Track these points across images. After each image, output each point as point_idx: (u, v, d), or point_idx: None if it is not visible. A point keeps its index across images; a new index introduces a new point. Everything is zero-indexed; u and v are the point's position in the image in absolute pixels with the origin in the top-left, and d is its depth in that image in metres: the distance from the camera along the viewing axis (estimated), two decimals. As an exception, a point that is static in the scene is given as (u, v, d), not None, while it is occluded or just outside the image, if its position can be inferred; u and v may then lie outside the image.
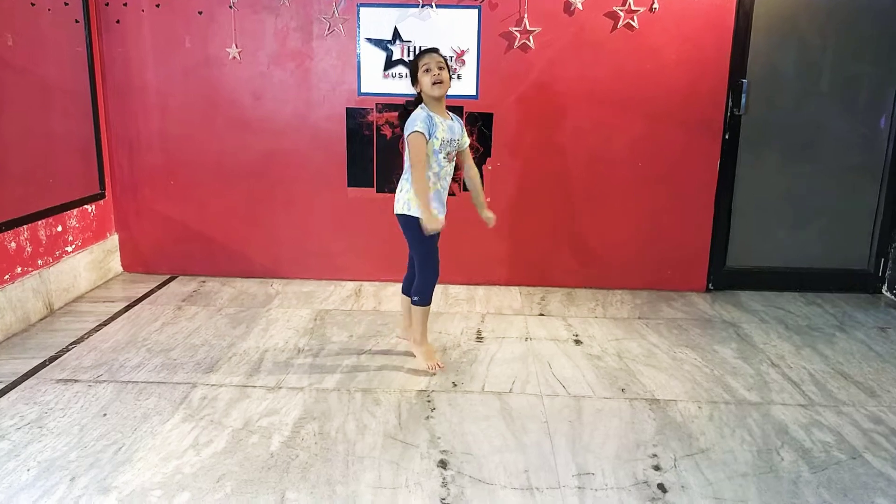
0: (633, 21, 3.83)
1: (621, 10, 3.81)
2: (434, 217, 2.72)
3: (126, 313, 3.62)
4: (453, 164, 2.88)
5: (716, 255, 4.14)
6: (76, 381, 2.83)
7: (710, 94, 3.92)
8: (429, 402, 2.70)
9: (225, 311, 3.67)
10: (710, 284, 4.18)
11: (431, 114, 2.74)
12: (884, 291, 4.15)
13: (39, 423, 2.48)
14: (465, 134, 2.93)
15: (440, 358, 3.05)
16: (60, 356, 3.07)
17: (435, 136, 2.72)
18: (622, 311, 3.81)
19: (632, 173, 4.03)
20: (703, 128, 3.96)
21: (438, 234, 2.80)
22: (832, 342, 3.40)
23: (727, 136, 3.97)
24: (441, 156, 2.78)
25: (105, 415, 2.56)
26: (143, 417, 2.54)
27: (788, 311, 3.85)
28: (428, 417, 2.58)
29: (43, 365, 2.97)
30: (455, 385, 2.85)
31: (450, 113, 2.89)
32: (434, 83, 2.69)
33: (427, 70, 2.71)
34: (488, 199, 3.80)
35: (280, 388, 2.80)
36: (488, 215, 2.97)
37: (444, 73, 2.71)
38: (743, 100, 3.90)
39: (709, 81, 3.91)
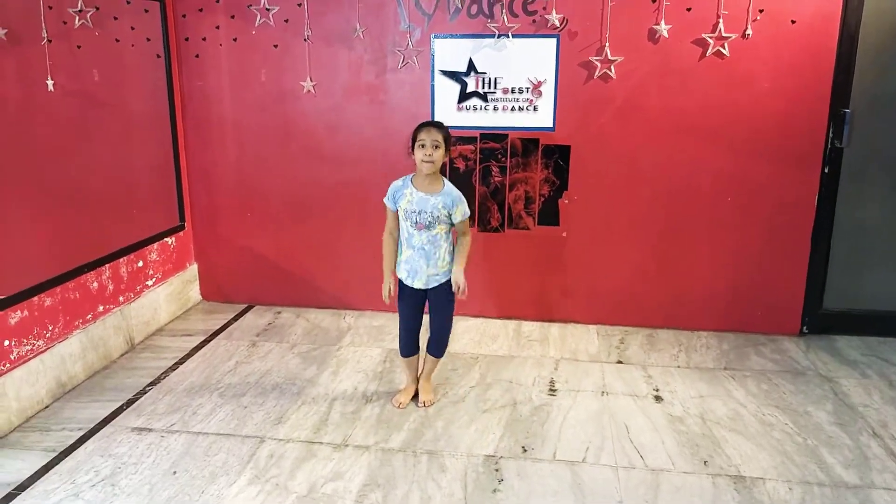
0: (724, 48, 3.58)
1: (710, 38, 3.57)
2: (385, 285, 2.96)
3: (202, 349, 3.67)
4: (433, 232, 2.85)
5: (811, 296, 3.86)
6: (150, 430, 2.88)
7: (808, 125, 3.64)
8: (496, 470, 2.60)
9: (297, 349, 3.68)
10: (805, 328, 3.89)
11: (407, 184, 2.88)
12: None
13: (112, 481, 2.53)
14: (459, 211, 2.87)
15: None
16: (137, 399, 3.14)
17: (399, 205, 2.88)
18: (707, 358, 3.59)
19: (720, 208, 3.80)
20: (799, 161, 3.68)
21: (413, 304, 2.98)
22: (944, 406, 3.10)
23: (826, 170, 3.68)
24: (407, 224, 2.87)
25: (175, 472, 2.58)
26: (211, 478, 2.55)
27: (893, 363, 3.54)
28: (495, 491, 2.48)
29: (120, 410, 3.04)
30: (525, 450, 2.74)
31: (446, 186, 2.87)
32: (424, 161, 2.78)
33: (422, 146, 2.77)
34: (564, 234, 3.68)
35: (346, 445, 2.76)
36: (455, 278, 2.89)
37: (437, 153, 2.78)
38: (845, 131, 3.60)
39: (807, 112, 3.62)
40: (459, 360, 3.55)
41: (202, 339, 3.81)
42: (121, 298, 3.62)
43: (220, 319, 4.10)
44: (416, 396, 3.14)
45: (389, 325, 4.01)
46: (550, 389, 3.24)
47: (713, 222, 3.82)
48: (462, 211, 2.88)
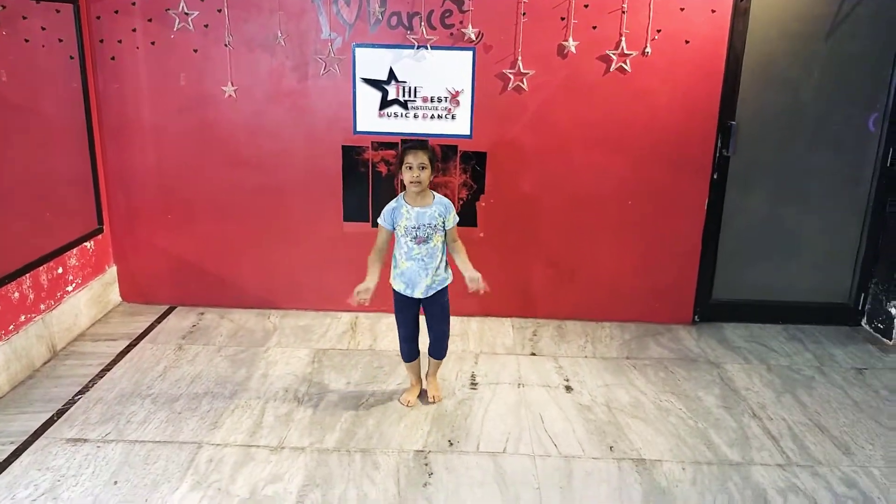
0: (626, 65, 3.88)
1: (614, 54, 3.87)
2: (364, 288, 3.06)
3: (128, 355, 3.70)
4: (430, 244, 3.05)
5: (702, 288, 4.27)
6: (85, 440, 2.92)
7: (699, 135, 4.01)
8: (426, 465, 2.82)
9: (224, 352, 3.76)
10: (696, 317, 4.31)
11: (401, 203, 3.04)
12: (863, 324, 4.30)
13: (54, 494, 2.59)
14: (451, 217, 3.07)
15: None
16: (67, 409, 3.16)
17: (398, 224, 3.04)
18: (611, 348, 3.93)
19: (622, 211, 4.13)
20: (692, 167, 4.05)
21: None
22: (811, 387, 3.55)
23: (715, 176, 4.07)
24: (407, 240, 3.03)
25: (116, 483, 2.66)
26: (153, 486, 2.65)
27: (771, 348, 3.99)
28: (426, 484, 2.70)
29: (51, 421, 3.07)
30: (451, 444, 2.97)
31: (436, 197, 3.07)
32: (411, 182, 2.96)
33: (409, 168, 2.94)
34: (481, 234, 3.91)
35: (282, 448, 2.91)
36: (472, 276, 3.09)
37: (424, 174, 2.95)
38: (732, 141, 3.99)
39: (699, 123, 3.98)
40: (385, 357, 3.75)
41: (126, 343, 3.83)
42: (42, 306, 3.59)
43: (142, 322, 4.12)
44: (422, 394, 3.35)
45: (315, 324, 4.15)
46: (472, 383, 3.49)
47: (616, 223, 4.16)
48: (453, 217, 3.07)
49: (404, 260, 3.08)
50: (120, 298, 4.40)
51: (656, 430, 3.11)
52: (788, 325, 4.29)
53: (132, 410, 3.17)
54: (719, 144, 4.02)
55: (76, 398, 3.26)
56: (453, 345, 3.89)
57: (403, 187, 3.06)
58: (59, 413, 3.13)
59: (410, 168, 2.95)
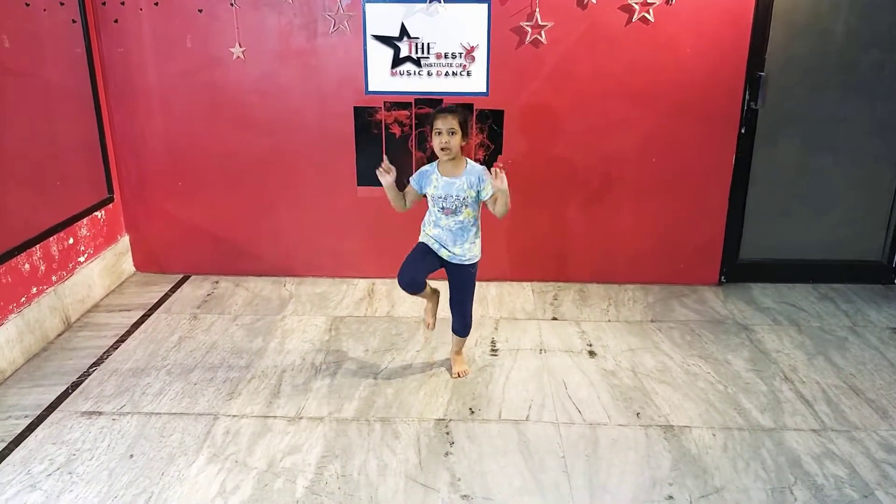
0: (649, 14, 3.69)
1: (636, 4, 3.68)
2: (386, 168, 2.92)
3: (142, 325, 3.65)
4: (457, 217, 2.90)
5: (729, 248, 4.13)
6: (100, 413, 2.88)
7: (726, 87, 3.83)
8: (447, 433, 2.75)
9: (240, 321, 3.70)
10: (723, 277, 4.17)
11: (433, 169, 2.93)
12: (896, 282, 4.15)
13: (69, 469, 2.54)
14: (487, 188, 2.87)
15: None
16: (82, 381, 3.12)
17: (425, 191, 2.95)
18: (635, 312, 3.82)
19: (646, 168, 3.98)
20: (718, 122, 3.88)
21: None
22: (844, 349, 3.42)
23: (743, 130, 3.90)
24: (435, 208, 2.93)
25: (132, 456, 2.61)
26: (169, 459, 2.60)
27: (801, 308, 3.86)
28: (447, 454, 2.63)
29: (66, 394, 3.02)
30: (472, 412, 2.89)
31: (468, 165, 2.90)
32: (441, 148, 2.82)
33: (438, 134, 2.80)
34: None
35: (300, 418, 2.85)
36: (497, 186, 2.81)
37: (454, 140, 2.80)
38: (760, 93, 3.81)
39: (726, 75, 3.80)
40: (403, 324, 3.66)
41: (141, 313, 3.78)
42: (54, 278, 3.53)
43: (156, 292, 4.06)
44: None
45: (331, 291, 4.07)
46: (492, 350, 3.40)
47: (639, 181, 4.01)
48: (489, 188, 2.86)
49: (433, 226, 2.97)
50: (134, 268, 4.34)
51: (684, 396, 3.01)
52: (819, 284, 4.16)
53: (147, 382, 3.12)
54: (747, 97, 3.84)
55: (91, 370, 3.21)
56: (472, 310, 3.80)
57: (422, 146, 2.92)
58: (74, 386, 3.09)
59: (439, 133, 2.79)
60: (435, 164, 2.96)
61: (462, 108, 2.93)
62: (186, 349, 3.41)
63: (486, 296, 4.01)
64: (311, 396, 3.01)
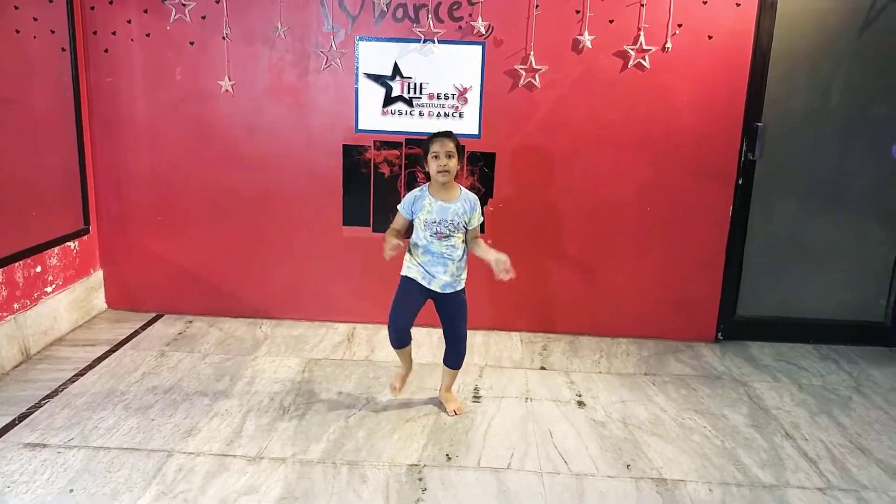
0: (645, 61, 3.65)
1: (632, 50, 3.64)
2: (394, 244, 2.72)
3: (106, 360, 3.44)
4: (450, 242, 2.82)
5: (726, 303, 3.96)
6: (45, 445, 2.65)
7: (723, 138, 3.75)
8: (420, 479, 2.52)
9: (210, 360, 3.49)
10: (720, 334, 3.99)
11: (425, 194, 2.83)
12: (901, 345, 3.97)
13: (1, 501, 2.30)
14: (476, 217, 2.86)
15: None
16: (32, 413, 2.89)
17: (417, 216, 2.83)
18: (627, 364, 3.62)
19: (640, 218, 3.86)
20: (715, 173, 3.79)
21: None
22: (849, 408, 3.21)
23: (740, 182, 3.80)
24: (427, 233, 2.82)
25: (72, 490, 2.38)
26: (112, 495, 2.36)
27: (802, 367, 3.67)
28: (418, 500, 2.40)
29: (12, 424, 2.80)
30: (449, 458, 2.66)
31: (462, 192, 2.86)
32: (439, 171, 2.76)
33: (436, 157, 2.76)
34: (489, 242, 3.68)
35: (261, 458, 2.62)
36: (497, 257, 2.76)
37: (452, 162, 2.76)
38: (758, 144, 3.73)
39: (723, 125, 3.73)
40: (382, 368, 3.46)
41: (106, 349, 3.58)
42: (15, 305, 3.35)
43: (126, 329, 3.86)
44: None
45: (309, 334, 3.88)
46: (475, 396, 3.19)
47: (634, 231, 3.88)
48: (478, 216, 2.88)
49: (422, 253, 2.85)
50: (105, 305, 4.15)
51: (679, 449, 2.79)
52: (820, 344, 3.96)
53: (101, 416, 2.89)
54: (745, 148, 3.76)
55: (42, 402, 2.99)
56: (456, 357, 3.60)
57: (410, 186, 2.83)
58: (22, 417, 2.87)
59: (437, 157, 2.75)
60: (425, 188, 2.87)
61: (453, 134, 2.86)
62: (148, 385, 3.19)
63: (472, 343, 3.81)
64: (275, 437, 2.78)
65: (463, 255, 2.88)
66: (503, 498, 2.43)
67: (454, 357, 2.98)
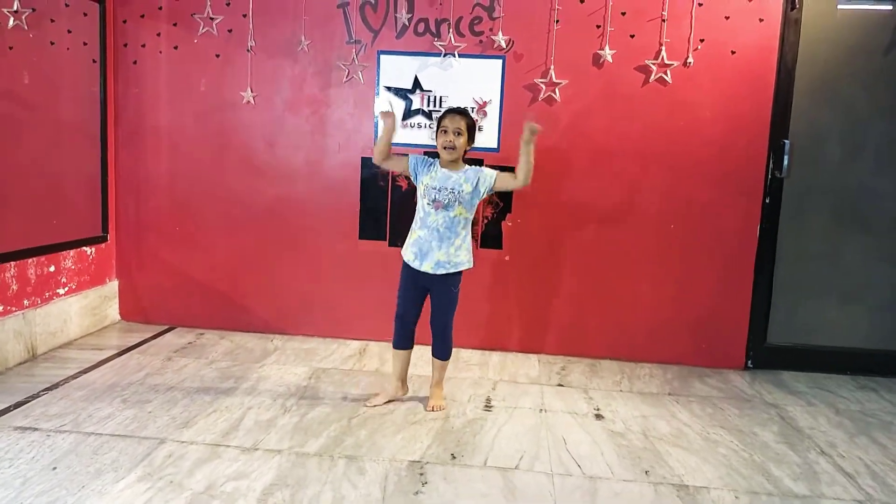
0: (667, 75, 3.61)
1: (653, 64, 3.61)
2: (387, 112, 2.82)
3: (111, 362, 3.37)
4: (451, 213, 2.78)
5: (755, 329, 3.77)
6: (35, 429, 2.56)
7: (748, 154, 3.65)
8: (421, 474, 2.36)
9: (216, 365, 3.40)
10: (749, 362, 3.78)
11: (436, 162, 2.85)
12: (947, 378, 3.71)
13: (-20, 474, 2.20)
14: (485, 175, 2.83)
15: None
16: (28, 402, 2.81)
17: (420, 179, 2.83)
18: (650, 385, 3.44)
19: (664, 236, 3.74)
20: (741, 190, 3.67)
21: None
22: (891, 431, 2.98)
23: (768, 201, 3.67)
24: (426, 202, 2.80)
25: (55, 468, 2.27)
26: (96, 474, 2.25)
27: (838, 394, 3.44)
28: (417, 493, 2.23)
29: (6, 410, 2.72)
30: (454, 457, 2.50)
31: (467, 167, 2.86)
32: (444, 147, 2.76)
33: (444, 132, 2.76)
34: (507, 258, 3.59)
35: (256, 449, 2.49)
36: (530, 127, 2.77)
37: (460, 140, 2.76)
38: (785, 162, 3.62)
39: (747, 141, 3.64)
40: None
41: (113, 353, 3.51)
42: (25, 302, 3.32)
43: (136, 337, 3.80)
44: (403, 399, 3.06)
45: (320, 348, 3.77)
46: (486, 406, 3.03)
47: (657, 250, 3.75)
48: (489, 174, 2.80)
49: (419, 227, 2.82)
50: (119, 316, 4.11)
51: (703, 459, 2.59)
52: (858, 375, 3.73)
53: (97, 407, 2.80)
54: (771, 165, 3.65)
55: (41, 393, 2.91)
56: (469, 371, 3.47)
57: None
58: (18, 405, 2.78)
59: (445, 132, 2.76)
60: (436, 159, 2.87)
61: (469, 113, 2.88)
62: (150, 383, 3.10)
63: (488, 361, 3.67)
64: (273, 431, 2.65)
65: (463, 238, 2.82)
66: (509, 495, 2.25)
67: (439, 347, 2.94)
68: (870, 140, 3.64)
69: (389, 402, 2.97)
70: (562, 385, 3.37)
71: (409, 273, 2.86)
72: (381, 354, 3.69)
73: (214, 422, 2.72)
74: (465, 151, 2.85)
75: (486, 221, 3.81)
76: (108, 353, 3.51)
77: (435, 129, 2.84)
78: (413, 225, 2.89)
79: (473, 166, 2.88)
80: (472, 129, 2.82)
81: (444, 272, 2.79)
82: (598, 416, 2.98)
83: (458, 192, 2.76)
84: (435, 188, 2.77)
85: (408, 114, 3.79)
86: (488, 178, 2.80)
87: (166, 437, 2.55)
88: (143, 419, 2.70)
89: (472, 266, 2.89)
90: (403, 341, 2.92)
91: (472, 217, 2.86)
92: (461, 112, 2.80)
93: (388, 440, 2.62)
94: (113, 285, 4.04)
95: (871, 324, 3.76)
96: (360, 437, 2.63)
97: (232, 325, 4.03)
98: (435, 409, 2.91)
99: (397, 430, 2.72)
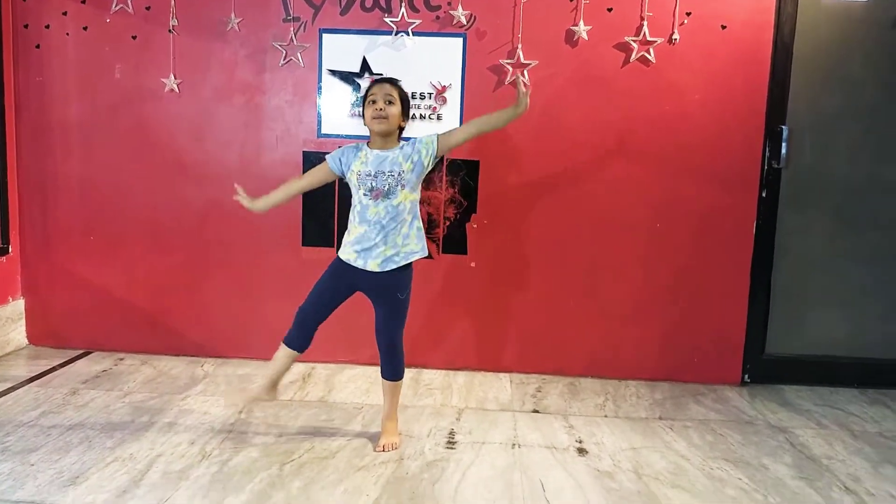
0: (649, 54, 3.18)
1: (634, 42, 3.17)
2: (250, 201, 2.54)
3: (2, 398, 2.82)
4: (393, 202, 2.33)
5: (752, 339, 3.35)
6: None
7: (742, 142, 3.23)
8: (363, 542, 1.87)
9: (130, 398, 2.87)
10: (746, 376, 3.36)
11: (361, 146, 2.42)
12: (964, 390, 3.32)
13: None
14: (426, 143, 2.39)
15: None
16: None
17: (350, 168, 2.39)
18: (638, 408, 2.99)
19: (649, 236, 3.30)
20: (734, 182, 3.26)
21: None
22: (919, 458, 2.56)
23: (764, 194, 3.25)
24: (361, 193, 2.36)
25: None
26: (-66, 560, 1.72)
27: (850, 412, 3.02)
28: (356, 570, 1.74)
29: None
30: (406, 515, 2.02)
31: (402, 142, 2.41)
32: (374, 117, 2.33)
33: (373, 102, 2.34)
34: (472, 264, 3.14)
35: (157, 513, 1.98)
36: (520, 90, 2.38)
37: (392, 109, 2.34)
38: (783, 150, 3.20)
39: (741, 128, 3.22)
40: (338, 410, 2.83)
41: (8, 386, 2.96)
42: None
43: (43, 365, 3.25)
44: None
45: (257, 373, 3.25)
46: (449, 442, 2.55)
47: (642, 252, 3.32)
48: (427, 137, 2.39)
49: (358, 223, 2.38)
50: (25, 340, 3.55)
51: (709, 506, 2.14)
52: (866, 388, 3.32)
53: (-33, 460, 2.26)
54: (768, 154, 3.23)
55: None
56: (430, 398, 2.99)
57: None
58: None
59: (374, 101, 2.33)
60: (362, 143, 2.43)
61: (400, 84, 2.44)
62: (44, 424, 2.57)
63: (452, 384, 3.20)
64: (184, 487, 2.14)
65: (410, 224, 2.36)
66: (475, 568, 1.77)
67: (388, 365, 2.48)
68: (879, 124, 3.24)
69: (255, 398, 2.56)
70: (537, 411, 2.90)
71: (342, 269, 2.40)
72: (328, 379, 3.20)
73: (111, 475, 2.20)
74: (401, 129, 2.41)
75: (447, 223, 3.34)
76: (1, 385, 2.95)
77: (361, 103, 2.42)
78: (350, 221, 2.42)
79: (409, 139, 2.43)
80: (405, 101, 2.40)
81: (394, 267, 2.33)
82: (581, 451, 2.51)
83: (399, 174, 2.32)
84: (369, 174, 2.33)
85: (355, 101, 3.31)
86: (428, 143, 2.37)
87: (44, 499, 2.02)
88: (22, 475, 2.17)
89: (426, 254, 2.42)
90: (300, 340, 2.47)
91: (418, 196, 2.42)
92: (391, 80, 2.40)
93: (326, 494, 2.13)
94: (17, 304, 3.49)
95: (880, 331, 3.36)
96: (291, 491, 2.13)
97: (157, 349, 3.50)
98: (386, 448, 2.42)
99: (339, 480, 2.22)
